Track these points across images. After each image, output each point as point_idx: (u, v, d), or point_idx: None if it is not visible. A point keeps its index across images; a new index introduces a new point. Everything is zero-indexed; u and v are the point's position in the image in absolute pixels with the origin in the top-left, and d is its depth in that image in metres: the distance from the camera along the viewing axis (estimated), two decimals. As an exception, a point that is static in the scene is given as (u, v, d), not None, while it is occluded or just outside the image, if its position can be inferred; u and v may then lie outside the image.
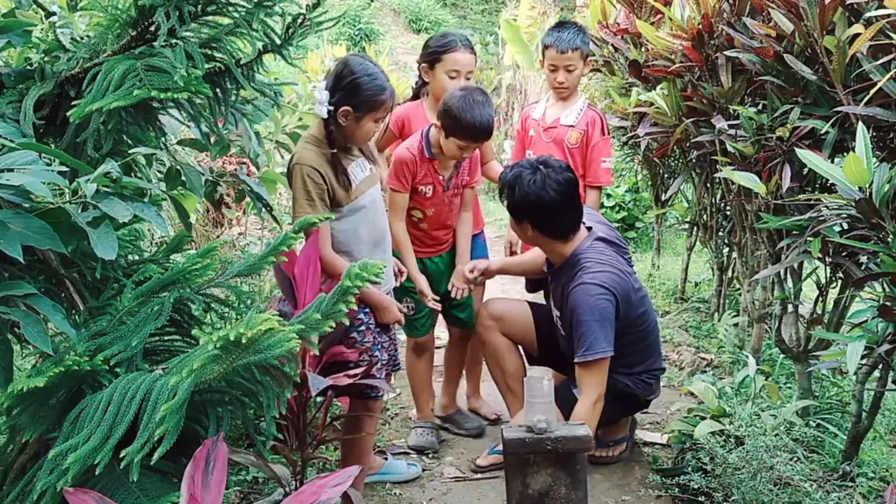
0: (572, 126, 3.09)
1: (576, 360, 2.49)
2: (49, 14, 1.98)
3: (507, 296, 3.89)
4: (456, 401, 3.17)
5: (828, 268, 2.60)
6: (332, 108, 2.25)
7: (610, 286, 2.49)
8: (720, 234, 3.86)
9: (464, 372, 3.26)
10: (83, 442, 1.39)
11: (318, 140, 2.32)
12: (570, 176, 2.55)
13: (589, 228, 2.65)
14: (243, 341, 1.33)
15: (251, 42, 1.83)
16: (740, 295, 3.82)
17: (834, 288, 2.68)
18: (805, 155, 2.17)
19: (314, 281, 2.31)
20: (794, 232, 2.46)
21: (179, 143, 2.29)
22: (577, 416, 2.41)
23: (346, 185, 2.32)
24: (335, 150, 2.30)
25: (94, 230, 1.44)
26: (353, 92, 2.24)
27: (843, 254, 2.35)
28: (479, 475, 2.77)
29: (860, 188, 1.99)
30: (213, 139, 2.21)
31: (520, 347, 2.87)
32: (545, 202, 2.50)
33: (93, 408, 1.43)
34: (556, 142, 3.12)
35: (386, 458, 2.78)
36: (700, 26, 2.91)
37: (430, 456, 2.91)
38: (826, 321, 2.70)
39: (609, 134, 3.17)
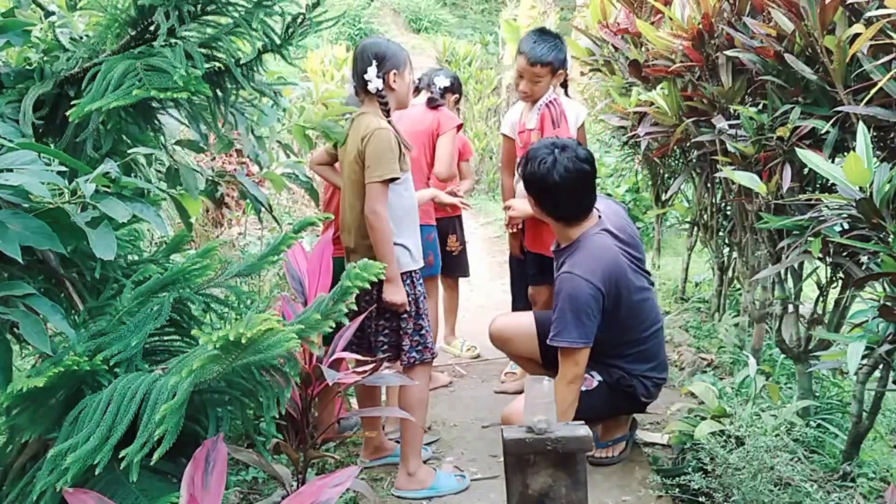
0: (533, 129, 3.11)
1: (548, 341, 2.55)
2: (48, 14, 1.98)
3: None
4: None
5: (828, 268, 2.60)
6: (380, 79, 2.53)
7: (597, 280, 2.49)
8: (720, 233, 3.86)
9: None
10: (83, 442, 1.38)
11: (378, 115, 2.55)
12: (583, 166, 2.55)
13: (600, 217, 2.66)
14: (243, 341, 1.33)
15: (251, 42, 1.83)
16: (741, 295, 3.81)
17: (834, 288, 2.68)
18: (805, 155, 2.16)
19: (325, 278, 2.32)
20: (795, 232, 2.45)
21: (177, 143, 2.29)
22: None
23: (405, 152, 2.58)
24: (390, 120, 2.58)
25: (94, 230, 1.43)
26: (390, 57, 2.56)
27: (844, 254, 2.35)
28: (479, 475, 2.76)
29: (861, 188, 1.99)
30: (212, 139, 2.21)
31: None
32: (549, 185, 2.54)
33: (92, 408, 1.43)
34: (526, 147, 3.09)
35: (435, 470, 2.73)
36: (700, 26, 2.91)
37: (430, 455, 2.90)
38: (826, 321, 2.69)
39: (559, 126, 3.05)
